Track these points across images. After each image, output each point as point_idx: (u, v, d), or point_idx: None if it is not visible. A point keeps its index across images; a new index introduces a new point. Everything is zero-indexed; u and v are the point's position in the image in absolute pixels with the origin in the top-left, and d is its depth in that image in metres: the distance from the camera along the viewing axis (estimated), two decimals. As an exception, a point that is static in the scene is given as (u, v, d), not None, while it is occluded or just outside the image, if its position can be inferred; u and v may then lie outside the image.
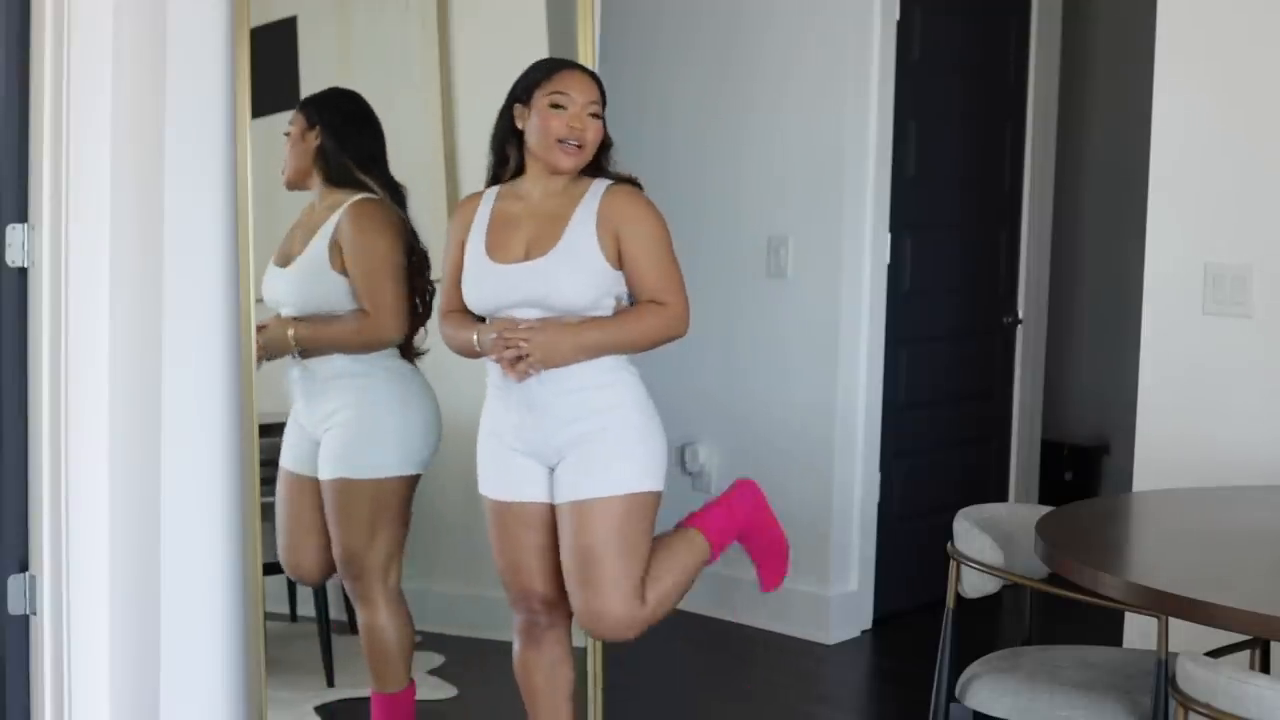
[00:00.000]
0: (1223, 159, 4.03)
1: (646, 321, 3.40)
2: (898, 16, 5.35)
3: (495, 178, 3.53)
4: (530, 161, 3.46)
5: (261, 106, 3.79)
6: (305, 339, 3.82)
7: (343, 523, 3.83)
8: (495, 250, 3.41)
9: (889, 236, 5.44)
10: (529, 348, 3.31)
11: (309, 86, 4.03)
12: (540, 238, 3.39)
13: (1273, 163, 3.95)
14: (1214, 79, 4.05)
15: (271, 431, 3.89)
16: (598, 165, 3.48)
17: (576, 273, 3.36)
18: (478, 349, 3.41)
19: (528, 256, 3.39)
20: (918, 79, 5.48)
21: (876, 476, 5.49)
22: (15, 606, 3.72)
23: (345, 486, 3.83)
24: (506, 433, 3.44)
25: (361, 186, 3.85)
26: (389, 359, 3.87)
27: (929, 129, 5.58)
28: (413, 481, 3.88)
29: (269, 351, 3.83)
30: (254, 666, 3.83)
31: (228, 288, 3.78)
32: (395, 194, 3.91)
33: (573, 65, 3.51)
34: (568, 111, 3.38)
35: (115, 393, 3.67)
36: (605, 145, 3.48)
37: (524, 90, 3.44)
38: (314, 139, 3.86)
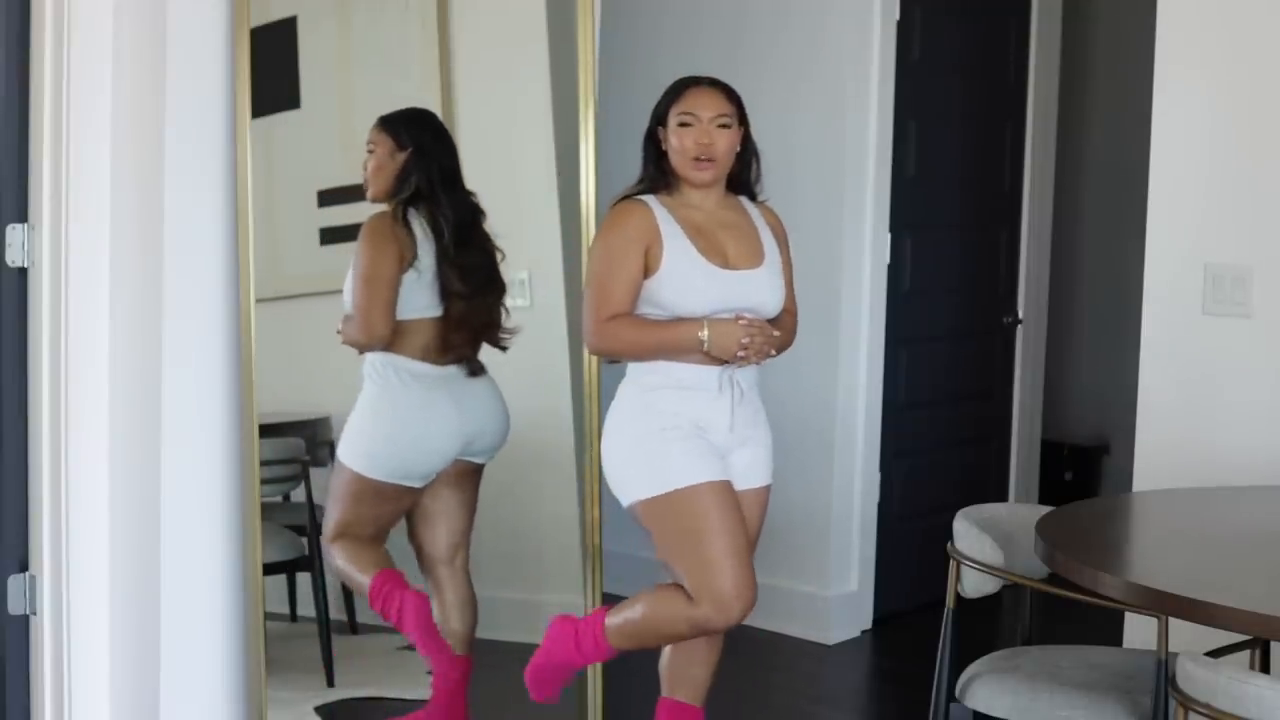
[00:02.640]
0: (1223, 159, 4.03)
1: (793, 328, 3.71)
2: (898, 16, 5.35)
3: (649, 190, 3.59)
4: (681, 178, 3.59)
5: (261, 106, 3.79)
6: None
7: None
8: (712, 256, 3.53)
9: (889, 236, 5.44)
10: (779, 342, 3.58)
11: (309, 86, 4.03)
12: (742, 248, 3.58)
13: (1273, 163, 3.95)
14: (1214, 79, 4.05)
15: (271, 431, 3.90)
16: (744, 178, 3.65)
17: (781, 284, 3.65)
18: (706, 345, 3.47)
19: (738, 265, 3.56)
20: (918, 79, 5.48)
21: (876, 476, 5.49)
22: (15, 606, 3.72)
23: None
24: (713, 427, 3.52)
25: (433, 203, 3.94)
26: (407, 367, 3.92)
27: (929, 129, 5.58)
28: (372, 484, 3.93)
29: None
30: (254, 666, 3.83)
31: (228, 288, 3.78)
32: (468, 209, 4.00)
33: (700, 80, 3.61)
34: (695, 128, 3.53)
35: (115, 393, 3.67)
36: (755, 156, 3.65)
37: (661, 113, 3.59)
38: (403, 159, 3.93)
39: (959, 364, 5.84)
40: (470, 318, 3.98)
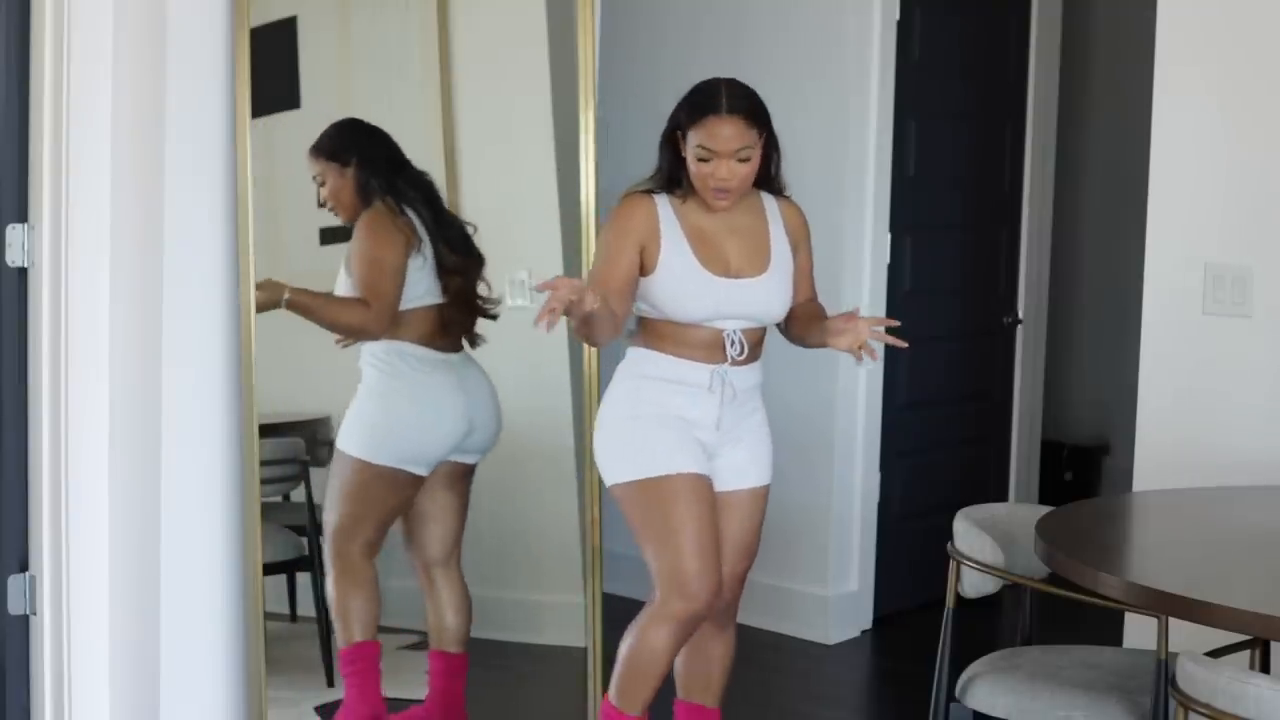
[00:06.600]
0: (1223, 159, 4.03)
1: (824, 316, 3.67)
2: (898, 16, 5.35)
3: (666, 189, 3.54)
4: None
5: (261, 106, 3.79)
6: (301, 304, 3.90)
7: None
8: (709, 264, 3.49)
9: (889, 236, 5.44)
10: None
11: (309, 86, 4.04)
12: (748, 254, 3.53)
13: (1273, 163, 3.95)
14: (1214, 79, 4.05)
15: (271, 431, 3.90)
16: (766, 174, 3.59)
17: (787, 289, 3.58)
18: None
19: (740, 272, 3.52)
20: (918, 79, 5.48)
21: (876, 476, 5.49)
22: (15, 606, 3.72)
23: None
24: (700, 423, 3.50)
25: (397, 193, 3.98)
26: (413, 352, 3.97)
27: (929, 129, 5.57)
28: (378, 470, 3.94)
29: (261, 301, 3.87)
30: (254, 666, 3.83)
31: (228, 288, 3.78)
32: (426, 185, 4.03)
33: (720, 107, 3.44)
34: (714, 163, 3.44)
35: (115, 393, 3.67)
36: (777, 153, 3.59)
37: (679, 125, 3.50)
38: (353, 174, 3.96)
39: (959, 364, 5.84)
40: (465, 291, 4.04)
